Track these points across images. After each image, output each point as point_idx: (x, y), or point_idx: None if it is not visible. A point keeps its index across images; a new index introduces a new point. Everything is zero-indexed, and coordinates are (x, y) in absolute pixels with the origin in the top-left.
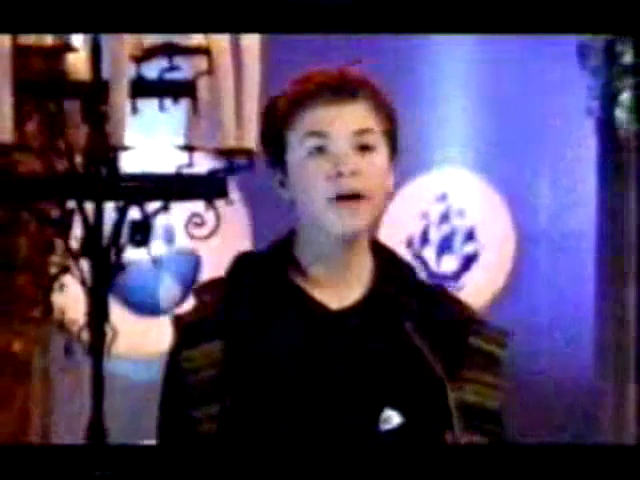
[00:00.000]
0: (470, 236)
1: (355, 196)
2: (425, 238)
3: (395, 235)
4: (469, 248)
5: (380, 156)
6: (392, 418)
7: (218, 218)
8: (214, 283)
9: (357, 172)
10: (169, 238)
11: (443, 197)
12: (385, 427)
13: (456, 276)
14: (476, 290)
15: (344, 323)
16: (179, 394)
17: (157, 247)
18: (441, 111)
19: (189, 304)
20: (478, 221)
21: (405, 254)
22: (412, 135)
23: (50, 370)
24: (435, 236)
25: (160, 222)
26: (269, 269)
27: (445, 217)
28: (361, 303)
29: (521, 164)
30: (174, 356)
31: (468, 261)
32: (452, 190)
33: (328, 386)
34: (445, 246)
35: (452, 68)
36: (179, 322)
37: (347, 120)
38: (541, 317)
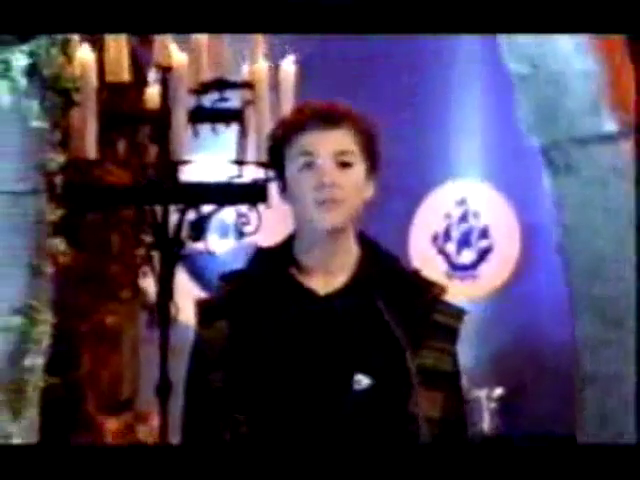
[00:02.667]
0: (484, 233)
1: (334, 201)
2: (447, 235)
3: (423, 233)
4: (483, 243)
5: (357, 171)
6: (362, 380)
7: (260, 218)
8: (232, 273)
9: (336, 184)
10: (240, 234)
11: (462, 202)
12: (357, 388)
13: (473, 266)
14: (490, 276)
15: (329, 305)
16: (199, 360)
17: (230, 242)
18: (461, 131)
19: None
20: (490, 221)
21: (431, 248)
22: (438, 152)
23: (137, 340)
24: (456, 233)
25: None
26: (272, 263)
27: (464, 218)
28: (343, 289)
29: (524, 175)
30: (196, 330)
31: (483, 254)
32: (469, 196)
33: (314, 356)
34: (464, 241)
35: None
36: (199, 304)
37: (330, 143)
38: (542, 296)
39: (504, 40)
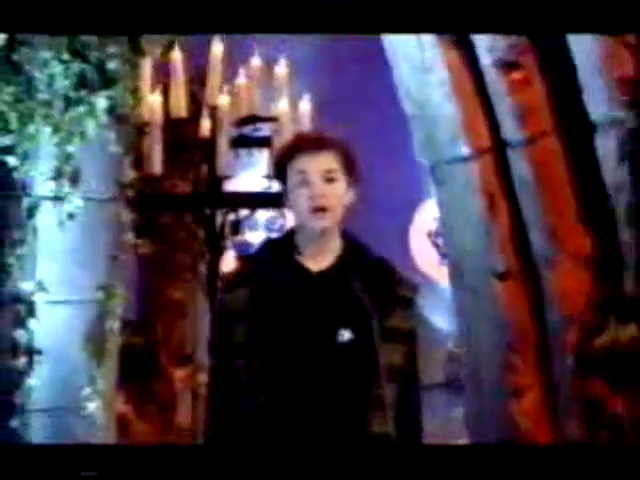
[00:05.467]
0: None
1: (323, 209)
2: (439, 232)
3: (421, 230)
4: None
5: (340, 185)
6: (345, 335)
7: (285, 218)
8: (249, 255)
9: (324, 195)
10: (280, 230)
11: None
12: (341, 340)
13: None
14: None
15: (320, 280)
16: (224, 316)
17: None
18: None
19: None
20: None
21: (426, 242)
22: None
23: (196, 310)
24: None
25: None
26: (279, 248)
27: None
28: (330, 268)
29: None
30: (221, 295)
31: None
32: None
33: (308, 316)
34: None
35: None
36: (224, 276)
37: (319, 163)
38: None
39: (400, 84)
